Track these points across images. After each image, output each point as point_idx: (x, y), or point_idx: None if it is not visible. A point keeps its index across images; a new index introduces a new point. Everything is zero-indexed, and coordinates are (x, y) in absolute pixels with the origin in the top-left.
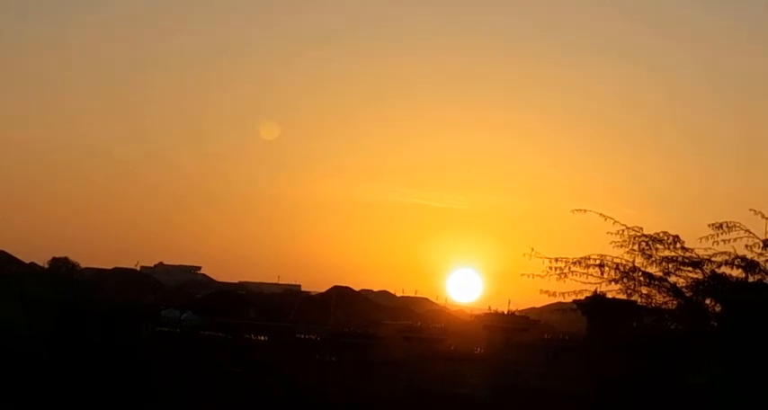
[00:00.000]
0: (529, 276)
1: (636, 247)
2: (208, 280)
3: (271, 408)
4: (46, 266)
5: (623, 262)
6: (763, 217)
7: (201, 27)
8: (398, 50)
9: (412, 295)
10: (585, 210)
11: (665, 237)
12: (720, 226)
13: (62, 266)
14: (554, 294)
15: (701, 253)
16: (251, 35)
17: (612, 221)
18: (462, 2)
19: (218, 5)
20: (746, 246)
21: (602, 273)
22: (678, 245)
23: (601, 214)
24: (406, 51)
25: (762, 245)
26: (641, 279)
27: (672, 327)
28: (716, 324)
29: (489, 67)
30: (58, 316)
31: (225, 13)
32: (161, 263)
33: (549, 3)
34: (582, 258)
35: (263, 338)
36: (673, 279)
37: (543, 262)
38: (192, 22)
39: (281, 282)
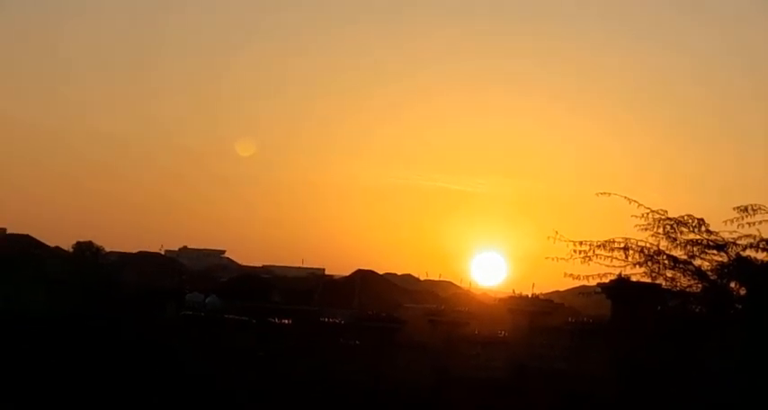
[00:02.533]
0: (553, 259)
1: (660, 230)
2: (232, 264)
3: (295, 391)
4: (70, 250)
5: (648, 245)
6: None
7: (220, 9)
8: (423, 34)
9: (436, 278)
10: (610, 193)
11: (690, 220)
12: (745, 209)
13: (86, 250)
14: (578, 277)
15: (726, 236)
16: (271, 18)
17: (637, 204)
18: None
19: None
20: None
21: (626, 257)
22: (703, 229)
23: (625, 197)
24: (431, 35)
25: None
26: (666, 262)
27: (696, 311)
28: (740, 307)
29: (513, 51)
30: (81, 298)
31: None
32: (185, 247)
33: None
34: (606, 241)
35: (287, 322)
36: (697, 262)
37: (567, 246)
38: (204, 6)
39: (305, 266)
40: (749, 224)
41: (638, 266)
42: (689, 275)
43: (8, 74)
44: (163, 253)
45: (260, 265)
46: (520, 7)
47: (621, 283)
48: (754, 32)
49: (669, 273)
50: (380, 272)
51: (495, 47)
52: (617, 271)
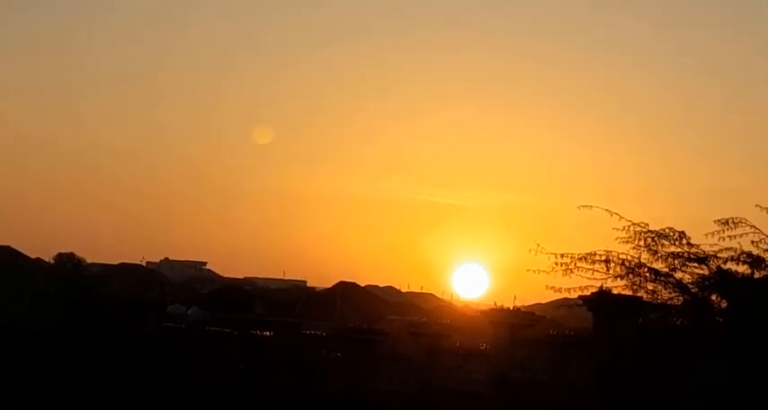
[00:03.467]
0: (534, 272)
1: (642, 243)
2: (214, 276)
3: (276, 403)
4: (51, 261)
5: (629, 257)
6: None
7: (211, 23)
8: (412, 48)
9: (418, 290)
10: (591, 206)
11: (671, 233)
12: (726, 222)
13: (68, 261)
14: (560, 290)
15: (707, 249)
16: (261, 31)
17: (618, 217)
18: (476, 1)
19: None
20: (752, 242)
21: (607, 269)
22: (684, 241)
23: (607, 210)
24: (419, 49)
25: None
26: (647, 275)
27: (678, 323)
28: (722, 320)
29: (497, 67)
30: (63, 311)
31: (236, 8)
32: (167, 259)
33: (557, 3)
34: (588, 254)
35: (268, 333)
36: (679, 275)
37: (549, 258)
38: (202, 19)
39: (286, 278)
40: (730, 237)
41: (619, 279)
42: (670, 288)
43: None
44: (144, 264)
45: (242, 277)
46: (505, 24)
47: (603, 296)
48: (731, 41)
49: (650, 286)
50: (362, 284)
51: (480, 63)
52: (598, 284)
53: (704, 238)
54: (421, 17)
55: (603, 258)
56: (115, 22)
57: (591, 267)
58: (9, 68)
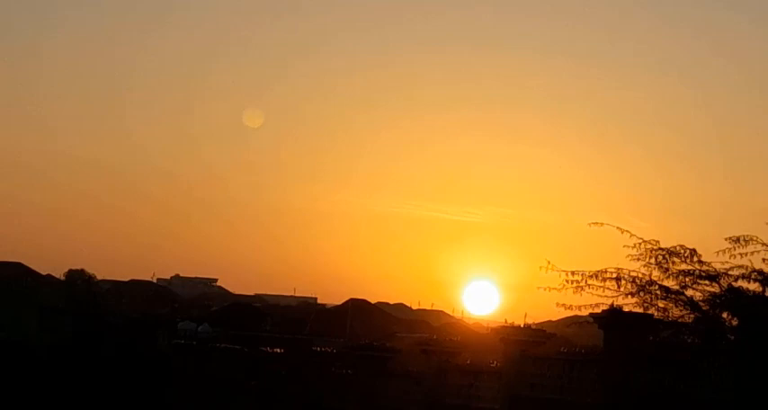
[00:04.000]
0: (545, 289)
1: (652, 261)
2: (224, 293)
3: None
4: (62, 278)
5: (640, 275)
6: None
7: (206, 35)
8: (415, 63)
9: (428, 308)
10: (602, 224)
11: (682, 251)
12: (737, 239)
13: (78, 278)
14: (570, 307)
15: (718, 266)
16: (258, 46)
17: (629, 234)
18: (477, 12)
19: (222, 10)
20: (763, 260)
21: (618, 287)
22: (695, 259)
23: (617, 227)
24: (422, 63)
25: None
26: (658, 292)
27: (688, 341)
28: (732, 337)
29: (507, 80)
30: (74, 328)
31: (228, 17)
32: (177, 276)
33: (575, 12)
34: (598, 271)
35: (279, 350)
36: (689, 292)
37: (560, 275)
38: (196, 32)
39: (297, 295)
40: (741, 255)
41: (630, 296)
42: (681, 305)
43: None
44: (155, 281)
45: (252, 294)
46: (512, 35)
47: (614, 313)
48: (747, 60)
49: (661, 303)
50: (373, 301)
51: (487, 76)
52: (609, 301)
53: (715, 256)
54: (425, 31)
55: (614, 275)
56: (161, 50)
57: (602, 284)
58: (13, 83)
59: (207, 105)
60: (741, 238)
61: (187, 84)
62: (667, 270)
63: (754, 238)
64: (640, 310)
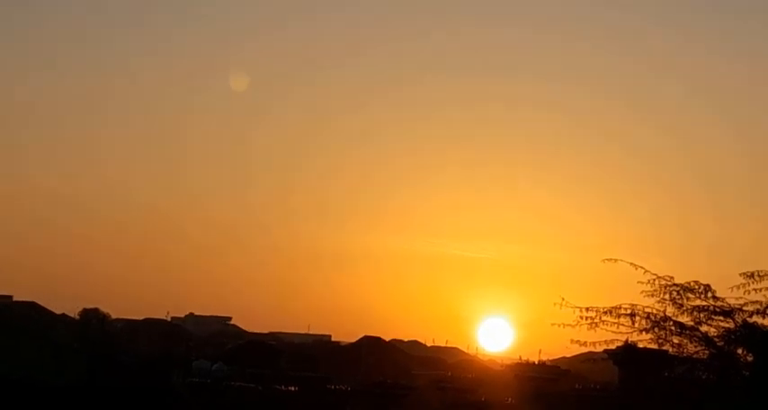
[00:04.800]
0: (559, 325)
1: (667, 297)
2: (238, 331)
3: None
4: (77, 317)
5: (654, 311)
6: None
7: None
8: (428, 104)
9: (442, 344)
10: (616, 260)
11: (696, 287)
12: (752, 275)
13: (93, 317)
14: (585, 344)
15: (733, 302)
16: (287, 89)
17: (643, 270)
18: (489, 47)
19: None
20: None
21: (633, 323)
22: (709, 295)
23: (631, 263)
24: (435, 104)
25: None
26: (672, 328)
27: (703, 377)
28: (747, 373)
29: (518, 122)
30: (88, 367)
31: (265, 59)
32: (191, 314)
33: (595, 45)
34: (613, 307)
35: (293, 388)
36: (704, 328)
37: (574, 312)
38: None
39: (311, 332)
40: (755, 290)
41: (644, 332)
42: (696, 341)
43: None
44: (169, 319)
45: (266, 332)
46: (531, 79)
47: (629, 350)
48: (751, 100)
49: (676, 340)
50: (387, 339)
51: (498, 116)
52: (624, 338)
53: (729, 292)
54: (443, 73)
55: (629, 312)
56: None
57: (616, 321)
58: (28, 126)
59: (232, 151)
60: (755, 274)
61: (229, 126)
62: (682, 306)
63: None
64: (655, 346)
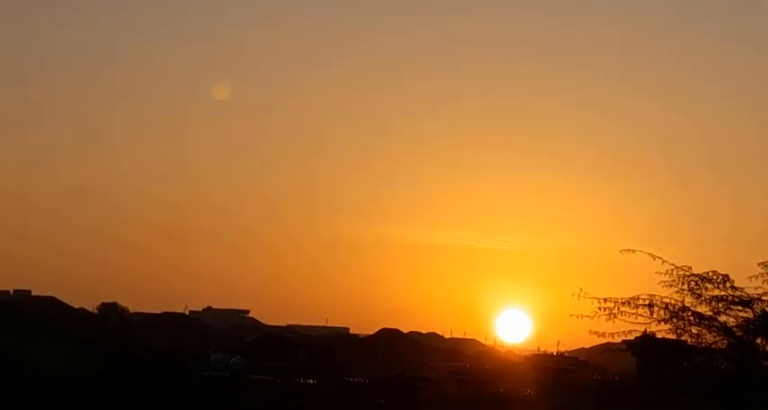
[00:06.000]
0: (578, 317)
1: (685, 287)
2: (256, 324)
3: None
4: (95, 311)
5: (673, 301)
6: None
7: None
8: (446, 95)
9: (461, 336)
10: (634, 250)
11: (715, 277)
12: None
13: (111, 311)
14: (603, 335)
15: (751, 292)
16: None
17: (661, 261)
18: (506, 50)
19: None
20: None
21: (651, 313)
22: (728, 285)
23: (649, 254)
24: (453, 95)
25: None
26: (691, 318)
27: (722, 367)
28: (766, 363)
29: (535, 111)
30: (107, 360)
31: (282, 61)
32: (209, 307)
33: (601, 60)
34: (631, 298)
35: (311, 381)
36: (723, 318)
37: (592, 303)
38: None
39: (329, 325)
40: None
41: (663, 323)
42: (714, 331)
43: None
44: (187, 313)
45: (284, 325)
46: (541, 69)
47: (647, 340)
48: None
49: (694, 330)
50: (405, 331)
51: (518, 110)
52: (642, 328)
53: (748, 281)
54: (460, 65)
55: (647, 302)
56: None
57: (634, 311)
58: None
59: (239, 144)
60: None
61: (247, 120)
62: (700, 296)
63: None
64: (673, 337)
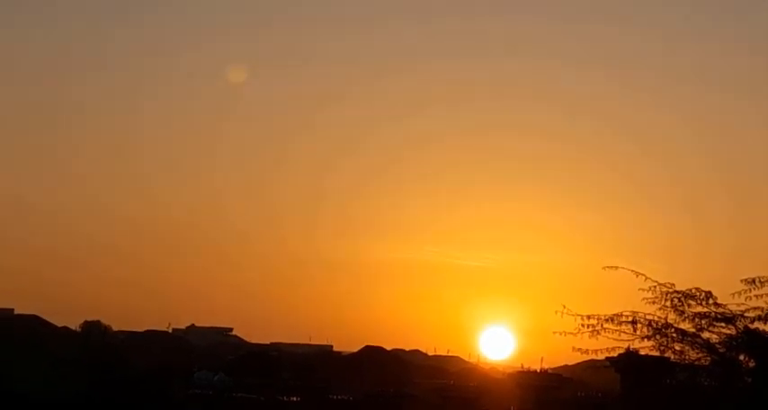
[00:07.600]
0: (561, 333)
1: (668, 303)
2: (240, 342)
3: None
4: (78, 329)
5: (656, 318)
6: None
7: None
8: (431, 116)
9: (444, 353)
10: (616, 267)
11: (698, 293)
12: (753, 281)
13: (94, 329)
14: (586, 351)
15: (734, 308)
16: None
17: (644, 278)
18: (494, 61)
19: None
20: None
21: (634, 330)
22: (711, 301)
23: (632, 270)
24: (438, 113)
25: None
26: (674, 335)
27: (705, 383)
28: (750, 379)
29: (519, 127)
30: (90, 379)
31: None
32: (193, 325)
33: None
34: (614, 315)
35: (295, 399)
36: (706, 335)
37: (575, 320)
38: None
39: (312, 343)
40: (757, 296)
41: (646, 339)
42: (697, 348)
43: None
44: (170, 331)
45: (268, 343)
46: (531, 85)
47: (630, 357)
48: (756, 100)
49: (678, 346)
50: (388, 348)
51: (501, 126)
52: (625, 345)
53: (731, 298)
54: (445, 83)
55: (630, 319)
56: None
57: (618, 328)
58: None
59: (223, 159)
60: (756, 280)
61: (203, 137)
62: (683, 312)
63: None
64: (657, 353)
